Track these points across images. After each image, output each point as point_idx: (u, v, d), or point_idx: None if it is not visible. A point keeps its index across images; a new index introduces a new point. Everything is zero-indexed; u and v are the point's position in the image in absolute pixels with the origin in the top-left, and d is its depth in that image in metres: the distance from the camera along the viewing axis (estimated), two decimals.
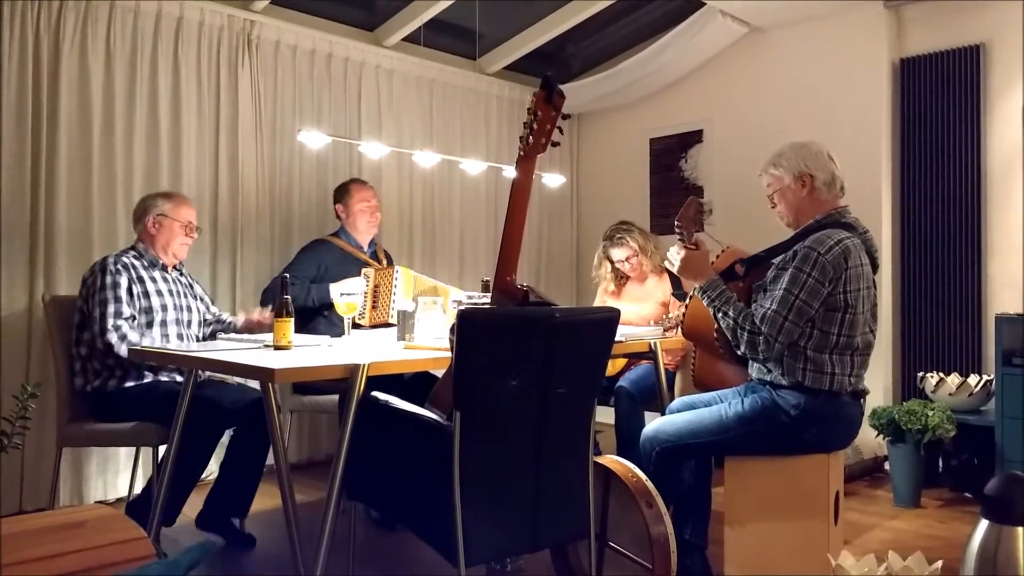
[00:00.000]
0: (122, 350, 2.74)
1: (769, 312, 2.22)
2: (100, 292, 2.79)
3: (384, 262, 3.80)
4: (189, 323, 3.05)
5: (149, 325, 2.90)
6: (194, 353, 2.45)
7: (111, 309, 2.77)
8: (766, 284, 2.33)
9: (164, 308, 2.95)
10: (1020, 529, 1.25)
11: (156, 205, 3.01)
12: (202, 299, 3.21)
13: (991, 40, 3.87)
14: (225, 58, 3.87)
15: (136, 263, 2.93)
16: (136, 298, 2.87)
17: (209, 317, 3.21)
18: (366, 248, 3.78)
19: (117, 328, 2.75)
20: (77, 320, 2.87)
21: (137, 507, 2.77)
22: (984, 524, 1.29)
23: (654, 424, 2.50)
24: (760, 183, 2.51)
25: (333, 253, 3.65)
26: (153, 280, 2.95)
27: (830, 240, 2.23)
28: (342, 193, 3.76)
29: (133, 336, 2.76)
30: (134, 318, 2.82)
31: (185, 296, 3.08)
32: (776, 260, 2.35)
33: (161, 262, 3.01)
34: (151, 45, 3.62)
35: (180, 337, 2.99)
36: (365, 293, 3.33)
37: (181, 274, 3.15)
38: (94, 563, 1.03)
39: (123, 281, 2.83)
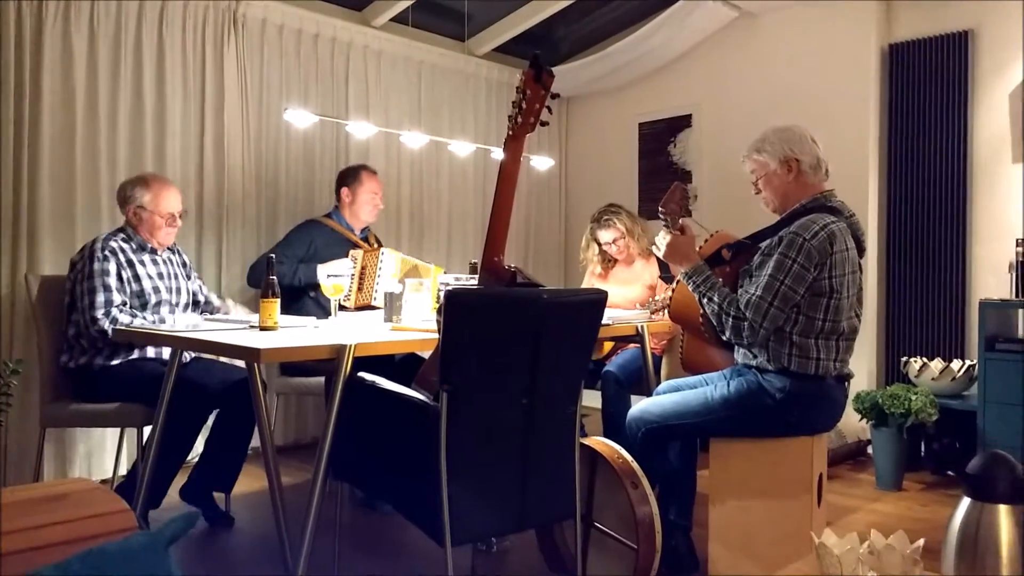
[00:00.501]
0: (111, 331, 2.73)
1: (754, 298, 2.22)
2: (88, 280, 2.76)
3: (375, 246, 3.78)
4: (179, 305, 3.03)
5: (143, 308, 2.88)
6: (179, 333, 2.44)
7: (100, 298, 2.74)
8: (752, 269, 2.34)
9: (156, 291, 2.92)
10: (1001, 507, 1.27)
11: (135, 197, 2.93)
12: (194, 278, 3.20)
13: (979, 26, 3.88)
14: (211, 37, 3.83)
15: (125, 246, 2.90)
16: (126, 283, 2.85)
17: (200, 299, 3.19)
18: (358, 232, 3.76)
19: (108, 315, 2.73)
20: (67, 301, 2.85)
21: (124, 490, 2.76)
22: (966, 502, 1.30)
23: (640, 405, 2.51)
24: (743, 165, 2.50)
25: (324, 234, 3.63)
26: (143, 263, 2.92)
27: (815, 225, 2.22)
28: (351, 178, 3.68)
29: (124, 319, 2.74)
30: (125, 304, 2.80)
31: (176, 277, 3.05)
32: (762, 245, 2.35)
33: (150, 246, 2.98)
34: (135, 23, 3.57)
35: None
36: (352, 275, 3.31)
37: (174, 253, 3.12)
38: (76, 535, 1.02)
39: (111, 267, 2.80)
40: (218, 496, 3.03)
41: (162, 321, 2.81)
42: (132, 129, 3.58)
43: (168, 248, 3.06)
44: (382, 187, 3.78)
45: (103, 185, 3.47)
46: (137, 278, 2.88)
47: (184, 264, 3.15)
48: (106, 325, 2.71)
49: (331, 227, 3.67)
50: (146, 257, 2.95)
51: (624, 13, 4.87)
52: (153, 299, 2.90)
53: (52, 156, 3.33)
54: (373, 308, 3.30)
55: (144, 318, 2.79)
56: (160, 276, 2.97)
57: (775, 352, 2.27)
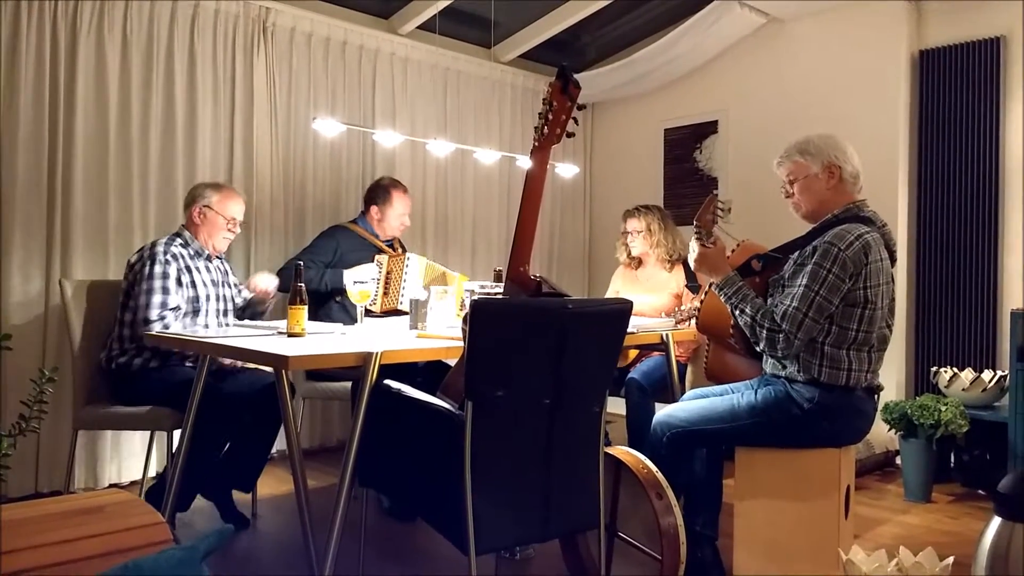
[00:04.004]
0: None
1: (789, 309, 2.20)
2: (148, 280, 2.83)
3: (399, 251, 3.81)
4: (226, 312, 3.11)
5: (196, 314, 2.94)
6: (208, 339, 2.47)
7: (157, 299, 2.81)
8: (784, 280, 2.32)
9: (208, 298, 2.99)
10: None
11: (204, 196, 3.03)
12: (235, 285, 3.26)
13: (1011, 33, 3.82)
14: (240, 45, 3.88)
15: (183, 252, 2.97)
16: (184, 288, 2.92)
17: (239, 301, 3.25)
18: (383, 239, 3.79)
19: (162, 318, 2.80)
20: (121, 300, 2.91)
21: (154, 494, 2.80)
22: (996, 521, 1.29)
23: (666, 410, 2.50)
24: (775, 172, 2.48)
25: (350, 239, 3.67)
26: (198, 270, 3.00)
27: (850, 235, 2.20)
28: (382, 197, 3.70)
29: (176, 327, 2.80)
30: (179, 308, 2.86)
31: (224, 285, 3.13)
32: (794, 255, 2.33)
33: (206, 252, 3.04)
34: (167, 32, 3.63)
35: (220, 325, 3.03)
36: (377, 279, 3.34)
37: (221, 261, 3.19)
38: (112, 548, 1.04)
39: (172, 272, 2.87)
40: (245, 497, 3.06)
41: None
42: (163, 137, 3.64)
43: (217, 257, 3.13)
44: (411, 204, 3.81)
45: (135, 191, 3.53)
46: (193, 284, 2.95)
47: (227, 272, 3.21)
48: (158, 328, 2.77)
49: (357, 233, 3.70)
50: (201, 264, 3.02)
51: (650, 19, 4.86)
52: (204, 305, 2.97)
53: (85, 162, 3.39)
54: (399, 312, 3.33)
55: (196, 327, 2.85)
56: (213, 283, 3.05)
57: (806, 363, 2.26)
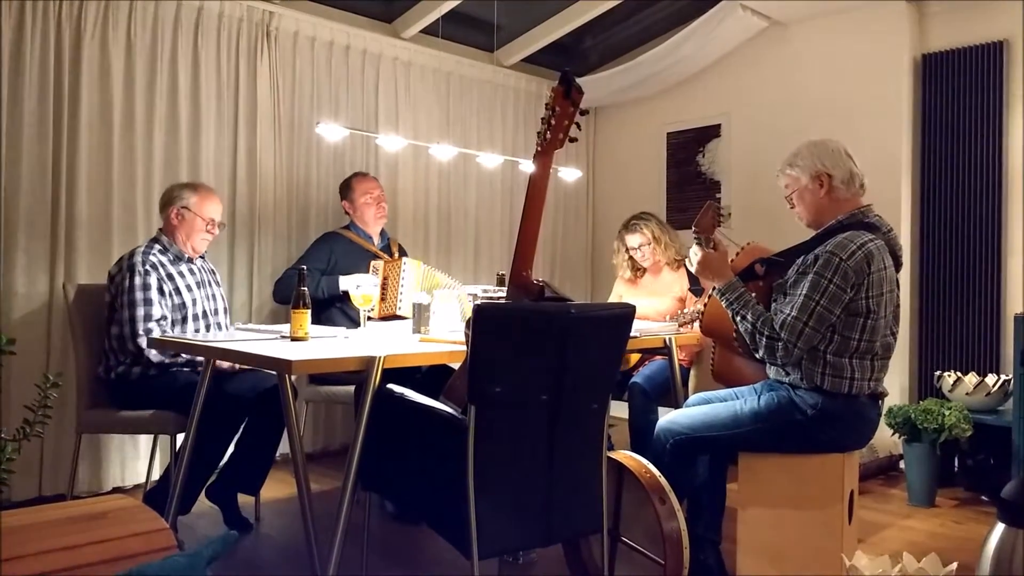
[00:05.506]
0: (152, 354, 2.79)
1: (789, 318, 2.19)
2: (130, 293, 2.82)
3: (396, 255, 3.82)
4: (216, 311, 3.09)
5: (184, 320, 2.93)
6: (212, 343, 2.47)
7: (141, 312, 2.80)
8: (786, 286, 2.31)
9: (195, 302, 2.98)
10: None
11: (181, 197, 3.01)
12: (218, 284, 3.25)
13: (1013, 37, 3.82)
14: (244, 49, 3.89)
15: (163, 259, 2.95)
16: (168, 296, 2.91)
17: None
18: (377, 240, 3.80)
19: (148, 331, 2.79)
20: (107, 314, 2.91)
21: (155, 496, 2.81)
22: (1000, 527, 1.29)
23: (669, 416, 2.50)
24: (777, 180, 2.48)
25: (343, 245, 3.68)
26: (181, 275, 2.98)
27: (852, 244, 2.19)
28: (345, 189, 3.81)
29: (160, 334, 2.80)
30: (164, 318, 2.85)
31: (210, 284, 3.11)
32: (797, 261, 2.32)
33: (186, 255, 3.03)
34: (171, 36, 3.64)
35: (209, 327, 3.03)
36: (375, 285, 3.34)
37: (205, 260, 3.18)
38: (116, 554, 1.04)
39: (153, 282, 2.86)
40: (248, 500, 3.07)
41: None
42: (167, 141, 3.64)
43: (200, 257, 3.12)
44: (378, 185, 3.84)
45: (139, 195, 3.53)
46: (178, 291, 2.94)
47: (212, 272, 3.21)
48: (144, 342, 2.78)
49: (349, 238, 3.72)
50: (183, 268, 3.01)
51: (653, 23, 4.86)
52: (192, 310, 2.95)
53: (89, 167, 3.40)
54: (398, 318, 3.33)
55: (186, 333, 2.84)
56: (198, 285, 3.03)
57: (808, 371, 2.25)
